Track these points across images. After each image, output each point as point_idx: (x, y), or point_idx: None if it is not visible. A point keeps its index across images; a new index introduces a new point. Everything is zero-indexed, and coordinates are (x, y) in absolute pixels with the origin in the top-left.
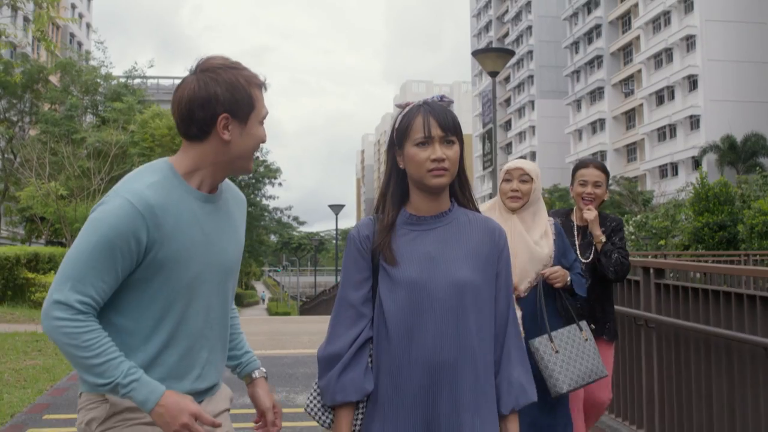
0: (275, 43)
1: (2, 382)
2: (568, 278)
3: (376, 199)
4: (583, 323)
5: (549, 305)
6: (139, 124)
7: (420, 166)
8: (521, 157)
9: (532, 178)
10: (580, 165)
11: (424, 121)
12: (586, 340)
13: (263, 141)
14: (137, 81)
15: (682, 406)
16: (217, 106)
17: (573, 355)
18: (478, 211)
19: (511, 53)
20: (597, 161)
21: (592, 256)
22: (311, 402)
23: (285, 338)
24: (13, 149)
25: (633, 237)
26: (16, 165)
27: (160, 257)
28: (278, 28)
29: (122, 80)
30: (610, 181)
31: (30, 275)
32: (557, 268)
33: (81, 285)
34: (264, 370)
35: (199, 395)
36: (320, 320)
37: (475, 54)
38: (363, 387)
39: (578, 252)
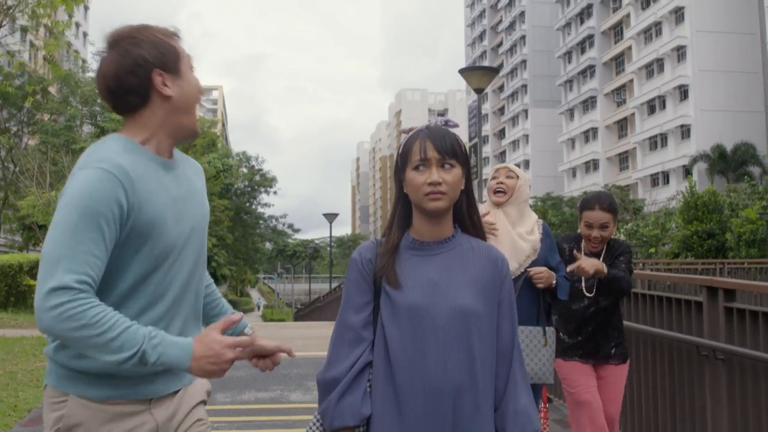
0: (272, 51)
1: (17, 382)
2: (553, 281)
3: (387, 224)
4: (550, 330)
5: (523, 301)
6: None
7: (417, 190)
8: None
9: (517, 176)
10: (586, 205)
11: (420, 145)
12: (545, 345)
13: (200, 86)
14: None
15: None
16: (147, 66)
17: (525, 353)
18: (484, 238)
19: (496, 71)
20: (603, 199)
21: (595, 286)
22: (313, 427)
23: (280, 342)
24: (13, 159)
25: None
26: (16, 173)
27: (138, 223)
28: (276, 35)
29: None
30: (604, 189)
31: (32, 282)
32: (544, 269)
33: (74, 264)
34: (252, 327)
35: (174, 379)
36: (314, 325)
37: (462, 72)
38: (360, 412)
39: (583, 282)
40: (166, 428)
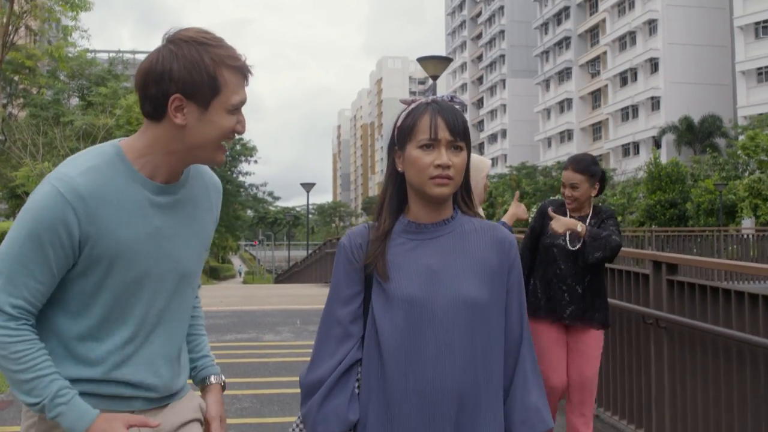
0: (256, 16)
1: None
2: None
3: (377, 207)
4: None
5: None
6: (124, 109)
7: (422, 171)
8: (492, 135)
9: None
10: (564, 166)
11: (431, 122)
12: None
13: (233, 131)
14: (120, 66)
15: (696, 409)
16: (170, 85)
17: None
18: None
19: (450, 60)
20: (577, 161)
21: (579, 245)
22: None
23: (256, 298)
24: (4, 131)
25: None
26: (8, 145)
27: (97, 253)
28: (258, 0)
29: (106, 65)
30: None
31: None
32: None
33: (12, 286)
34: (223, 378)
35: (153, 401)
36: (289, 286)
37: (420, 60)
38: (347, 417)
39: (567, 241)
40: None
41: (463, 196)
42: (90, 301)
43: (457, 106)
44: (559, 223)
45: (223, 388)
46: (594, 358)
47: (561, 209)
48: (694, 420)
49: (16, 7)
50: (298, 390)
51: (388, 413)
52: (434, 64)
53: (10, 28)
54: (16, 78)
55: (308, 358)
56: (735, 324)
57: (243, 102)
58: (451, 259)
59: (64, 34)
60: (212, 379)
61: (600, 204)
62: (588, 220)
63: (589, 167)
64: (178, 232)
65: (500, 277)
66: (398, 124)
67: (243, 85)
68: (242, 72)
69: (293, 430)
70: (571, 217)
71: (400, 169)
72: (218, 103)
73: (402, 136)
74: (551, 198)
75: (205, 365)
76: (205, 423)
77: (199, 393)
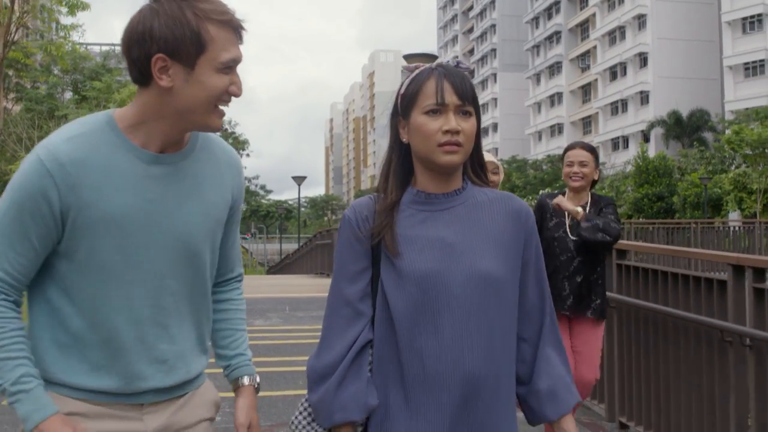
0: (249, 9)
1: None
2: None
3: (379, 178)
4: None
5: None
6: (117, 103)
7: (429, 138)
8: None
9: (500, 169)
10: (568, 147)
11: (437, 86)
12: None
13: (227, 93)
14: (114, 60)
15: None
16: (152, 44)
17: None
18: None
19: (435, 57)
20: (583, 143)
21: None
22: (299, 421)
23: (248, 287)
24: None
25: None
26: (3, 138)
27: (81, 223)
28: None
29: (99, 60)
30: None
31: None
32: None
33: None
34: (258, 379)
35: (158, 394)
36: (280, 277)
37: (406, 57)
38: (367, 402)
39: (568, 231)
40: None
41: (474, 166)
42: (80, 278)
43: (464, 71)
44: (567, 203)
45: (257, 390)
46: (596, 350)
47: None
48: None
49: (16, 8)
50: (285, 368)
51: (404, 398)
52: (420, 61)
53: (12, 27)
54: (10, 72)
55: (294, 341)
56: (671, 303)
57: (235, 60)
58: (466, 231)
59: (64, 33)
60: (245, 380)
61: (596, 195)
62: (587, 209)
63: (594, 149)
64: (178, 206)
65: (516, 251)
66: (401, 91)
67: (234, 42)
68: (231, 27)
69: (297, 419)
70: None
71: (405, 139)
72: (205, 61)
73: (406, 103)
74: (548, 191)
75: (240, 364)
76: (235, 428)
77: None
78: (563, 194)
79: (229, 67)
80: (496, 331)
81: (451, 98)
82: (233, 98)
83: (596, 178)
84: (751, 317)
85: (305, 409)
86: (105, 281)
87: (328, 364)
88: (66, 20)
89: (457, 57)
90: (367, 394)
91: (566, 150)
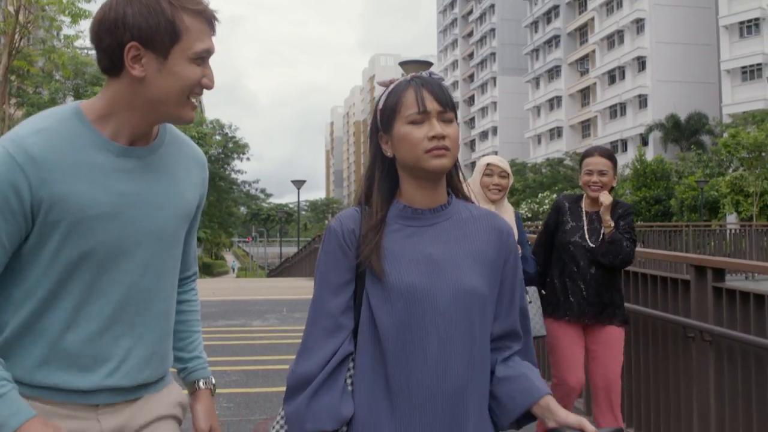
0: (249, 13)
1: None
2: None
3: (359, 191)
4: (532, 289)
5: None
6: None
7: (415, 146)
8: (484, 133)
9: (509, 174)
10: (586, 154)
11: (417, 95)
12: (530, 302)
13: (199, 85)
14: None
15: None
16: (125, 32)
17: None
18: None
19: (430, 64)
20: (603, 149)
21: (599, 243)
22: (276, 431)
23: (246, 290)
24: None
25: None
26: None
27: (51, 219)
28: None
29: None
30: (566, 157)
31: None
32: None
33: None
34: (213, 381)
35: (121, 394)
36: (281, 280)
37: (401, 64)
38: (340, 413)
39: (586, 236)
40: None
41: (456, 175)
42: (44, 275)
43: (439, 81)
44: (607, 198)
45: (213, 392)
46: (617, 357)
47: (576, 204)
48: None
49: (21, 18)
50: (281, 366)
51: (390, 412)
52: (415, 68)
53: (16, 37)
54: (12, 78)
55: (290, 341)
56: (641, 301)
57: (208, 51)
58: (452, 247)
59: (67, 42)
60: (201, 384)
61: (617, 198)
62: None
63: (613, 155)
64: (149, 200)
65: (497, 269)
66: (380, 106)
67: (208, 33)
68: (205, 17)
69: (274, 428)
70: (587, 212)
71: (389, 153)
72: (179, 50)
73: (386, 116)
74: (565, 193)
75: (196, 367)
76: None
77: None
78: (581, 197)
79: (202, 58)
80: (478, 344)
81: (432, 105)
82: (207, 92)
83: (614, 185)
84: (712, 314)
85: (282, 418)
86: (72, 277)
87: (304, 375)
88: (68, 29)
89: (457, 59)
90: (340, 404)
91: (584, 156)
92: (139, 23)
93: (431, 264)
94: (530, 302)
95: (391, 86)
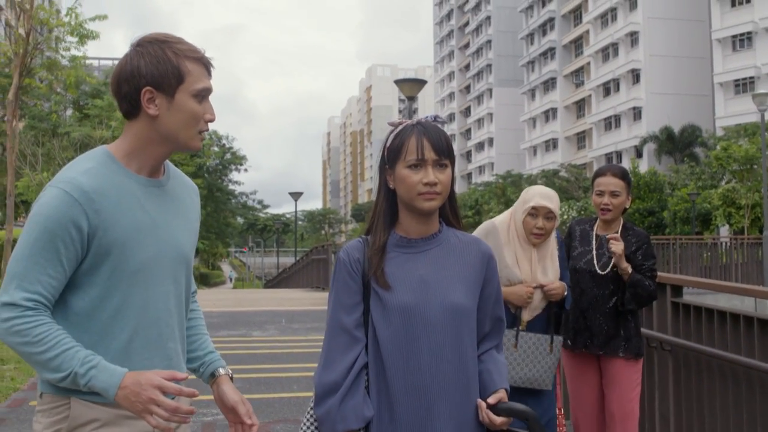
0: (249, 22)
1: None
2: (565, 292)
3: (368, 221)
4: (558, 339)
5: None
6: (119, 121)
7: (411, 189)
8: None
9: (556, 216)
10: (598, 173)
11: (417, 143)
12: (551, 353)
13: (203, 119)
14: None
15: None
16: (140, 80)
17: (528, 359)
18: (463, 228)
19: (424, 82)
20: (615, 167)
21: (609, 269)
22: (306, 427)
23: (246, 301)
24: (3, 142)
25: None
26: (7, 154)
27: (105, 242)
28: (250, 7)
29: (100, 77)
30: (562, 168)
31: None
32: (558, 283)
33: (26, 282)
34: (230, 370)
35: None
36: (277, 291)
37: (397, 82)
38: (363, 414)
39: (594, 261)
40: None
41: (449, 208)
42: (101, 291)
43: (440, 126)
44: (620, 248)
45: (231, 379)
46: (626, 392)
47: (588, 228)
48: None
49: (31, 39)
50: (281, 374)
51: (390, 411)
52: (410, 86)
53: (27, 58)
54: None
55: (289, 351)
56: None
57: (207, 89)
58: (440, 270)
59: (74, 65)
60: (221, 371)
61: (628, 223)
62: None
63: (627, 174)
64: (170, 222)
65: (478, 287)
66: (387, 145)
67: (206, 75)
68: (203, 63)
69: (304, 425)
70: (597, 235)
71: (392, 186)
72: (183, 89)
73: (392, 156)
74: (578, 218)
75: (212, 360)
76: (231, 410)
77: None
78: (594, 221)
79: (203, 96)
80: (467, 353)
81: (429, 154)
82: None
83: (628, 206)
84: (671, 326)
85: (311, 416)
86: (125, 289)
87: (332, 382)
88: (75, 50)
89: (454, 70)
90: (363, 407)
91: (596, 176)
92: (151, 71)
93: (422, 284)
94: (551, 353)
95: (399, 128)
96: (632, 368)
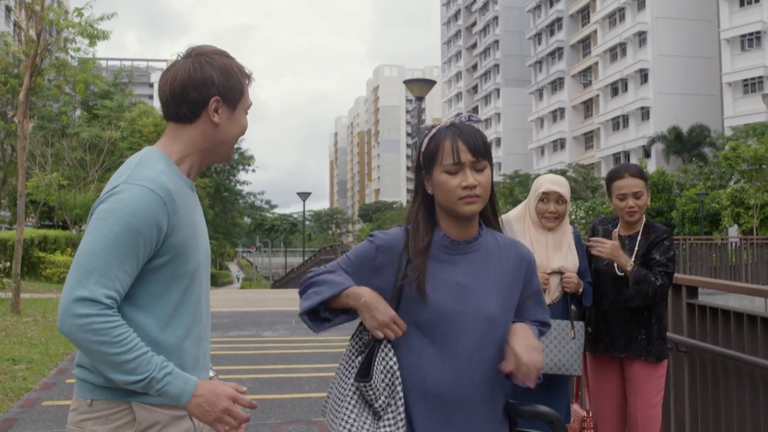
0: (259, 23)
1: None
2: (580, 289)
3: (411, 223)
4: (579, 324)
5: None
6: (128, 121)
7: (450, 194)
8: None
9: (566, 201)
10: (615, 176)
11: (453, 146)
12: (573, 338)
13: (245, 130)
14: (125, 78)
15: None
16: (212, 89)
17: (551, 344)
18: (500, 228)
19: (433, 82)
20: (632, 167)
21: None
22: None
23: (255, 301)
24: (12, 143)
25: (583, 221)
26: (16, 155)
27: (175, 243)
28: (261, 8)
29: (110, 78)
30: (569, 168)
31: (41, 254)
32: (574, 276)
33: (107, 279)
34: (214, 370)
35: None
36: (286, 291)
37: (406, 83)
38: (342, 282)
39: (615, 263)
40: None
41: (490, 210)
42: (162, 292)
43: (475, 125)
44: (605, 248)
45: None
46: (652, 396)
47: (610, 227)
48: None
49: (41, 40)
50: (292, 375)
51: (410, 420)
52: (419, 86)
53: (38, 59)
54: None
55: (300, 351)
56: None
57: (251, 105)
58: (477, 276)
59: (84, 68)
60: (210, 372)
61: (650, 220)
62: (637, 239)
63: (643, 171)
64: (202, 224)
65: (516, 290)
66: (422, 150)
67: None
68: (251, 81)
69: (329, 397)
70: (620, 236)
71: (429, 191)
72: (241, 104)
73: (428, 161)
74: (602, 216)
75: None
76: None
77: None
78: (616, 221)
79: (247, 111)
80: (492, 362)
81: (466, 156)
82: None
83: (649, 202)
84: (686, 327)
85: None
86: (185, 288)
87: (307, 279)
88: (84, 53)
89: (461, 70)
90: (344, 279)
91: (612, 178)
92: (222, 82)
93: (460, 290)
94: (574, 338)
95: (433, 131)
96: (654, 372)
